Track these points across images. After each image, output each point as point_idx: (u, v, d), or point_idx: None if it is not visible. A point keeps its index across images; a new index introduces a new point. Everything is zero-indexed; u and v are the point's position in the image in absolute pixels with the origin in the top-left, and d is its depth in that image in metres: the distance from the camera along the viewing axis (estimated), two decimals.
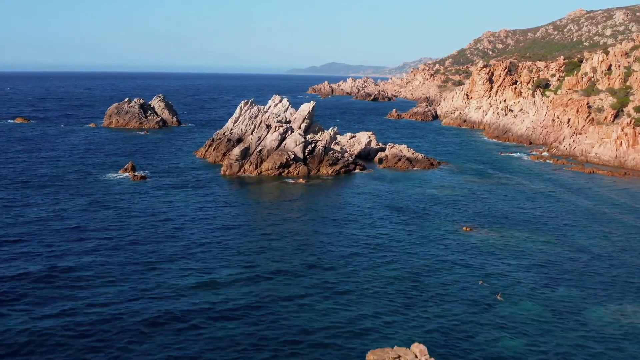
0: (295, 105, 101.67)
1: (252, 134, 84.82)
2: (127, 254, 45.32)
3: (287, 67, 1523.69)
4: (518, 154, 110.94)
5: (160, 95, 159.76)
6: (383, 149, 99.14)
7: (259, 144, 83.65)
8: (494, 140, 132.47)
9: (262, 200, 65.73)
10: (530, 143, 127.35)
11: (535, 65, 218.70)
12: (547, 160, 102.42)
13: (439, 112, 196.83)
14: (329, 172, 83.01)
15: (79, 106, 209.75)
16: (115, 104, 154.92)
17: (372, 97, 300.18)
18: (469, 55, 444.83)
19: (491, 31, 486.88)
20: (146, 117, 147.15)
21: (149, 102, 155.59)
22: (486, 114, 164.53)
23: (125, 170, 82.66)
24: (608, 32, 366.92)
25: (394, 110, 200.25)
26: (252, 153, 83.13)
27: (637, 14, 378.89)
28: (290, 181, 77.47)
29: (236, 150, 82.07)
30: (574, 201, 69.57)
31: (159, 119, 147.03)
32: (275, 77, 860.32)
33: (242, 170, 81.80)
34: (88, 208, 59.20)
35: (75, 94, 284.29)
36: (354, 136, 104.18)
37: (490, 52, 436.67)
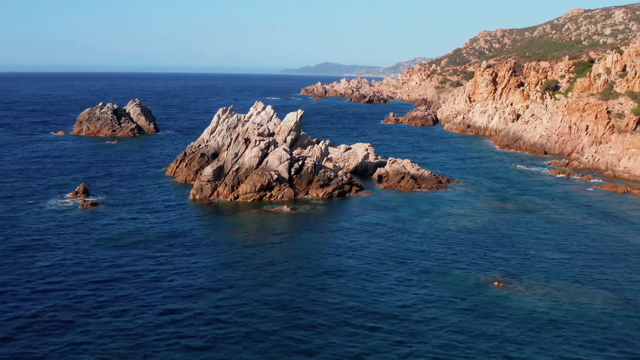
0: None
1: (227, 149, 71.28)
2: None
3: (281, 67, 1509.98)
4: (535, 167, 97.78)
5: (136, 99, 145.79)
6: (383, 164, 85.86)
7: (236, 161, 70.06)
8: (504, 150, 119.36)
9: (235, 241, 52.07)
10: (545, 153, 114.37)
11: (540, 65, 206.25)
12: (571, 176, 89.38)
13: (439, 116, 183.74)
14: (320, 195, 69.57)
15: (55, 110, 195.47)
16: (87, 109, 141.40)
17: (367, 99, 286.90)
18: (465, 55, 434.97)
19: (487, 30, 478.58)
20: (120, 123, 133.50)
21: (124, 107, 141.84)
22: (492, 119, 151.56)
23: (76, 194, 69.01)
24: (608, 31, 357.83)
25: (391, 114, 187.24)
26: (228, 173, 69.54)
27: (637, 12, 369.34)
28: (273, 208, 63.98)
29: (208, 170, 68.49)
30: (620, 236, 56.38)
31: (133, 125, 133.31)
32: (268, 78, 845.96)
33: (215, 193, 68.24)
34: (4, 264, 45.39)
35: (57, 97, 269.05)
36: (349, 148, 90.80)
37: (487, 52, 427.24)
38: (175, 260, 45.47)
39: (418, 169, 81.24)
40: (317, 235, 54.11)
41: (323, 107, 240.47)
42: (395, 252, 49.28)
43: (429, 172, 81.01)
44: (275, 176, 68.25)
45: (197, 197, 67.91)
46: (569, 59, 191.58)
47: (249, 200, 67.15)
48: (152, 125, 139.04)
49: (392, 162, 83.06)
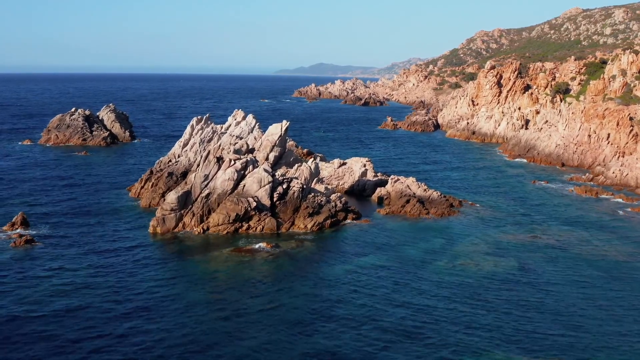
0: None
1: (197, 169, 58.96)
2: None
3: (275, 67, 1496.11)
4: (556, 183, 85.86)
5: (110, 104, 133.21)
6: (383, 183, 73.74)
7: (206, 185, 57.72)
8: (517, 161, 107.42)
9: (198, 305, 39.72)
10: (563, 165, 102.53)
11: (544, 66, 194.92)
12: (599, 195, 77.45)
13: (440, 121, 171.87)
14: (308, 226, 57.32)
15: (30, 116, 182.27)
16: (58, 116, 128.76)
17: (362, 102, 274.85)
18: (462, 55, 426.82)
19: (485, 30, 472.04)
20: (91, 131, 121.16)
21: (97, 114, 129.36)
22: (499, 125, 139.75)
23: (13, 225, 56.63)
24: (608, 31, 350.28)
25: (389, 118, 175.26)
26: (196, 199, 57.23)
27: (638, 12, 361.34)
28: (250, 246, 51.72)
29: (172, 197, 56.11)
30: None
31: (106, 134, 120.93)
32: (262, 79, 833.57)
33: (180, 224, 55.94)
34: None
35: (38, 101, 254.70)
36: (344, 164, 78.65)
37: (484, 52, 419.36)
38: (109, 324, 32.98)
39: (425, 190, 69.15)
40: (302, 290, 41.76)
41: (316, 110, 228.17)
42: (403, 320, 37.04)
43: (438, 193, 68.91)
44: (254, 203, 56.00)
45: (158, 229, 55.56)
46: (575, 59, 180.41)
47: (221, 234, 54.91)
48: (127, 133, 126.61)
49: (395, 181, 70.96)
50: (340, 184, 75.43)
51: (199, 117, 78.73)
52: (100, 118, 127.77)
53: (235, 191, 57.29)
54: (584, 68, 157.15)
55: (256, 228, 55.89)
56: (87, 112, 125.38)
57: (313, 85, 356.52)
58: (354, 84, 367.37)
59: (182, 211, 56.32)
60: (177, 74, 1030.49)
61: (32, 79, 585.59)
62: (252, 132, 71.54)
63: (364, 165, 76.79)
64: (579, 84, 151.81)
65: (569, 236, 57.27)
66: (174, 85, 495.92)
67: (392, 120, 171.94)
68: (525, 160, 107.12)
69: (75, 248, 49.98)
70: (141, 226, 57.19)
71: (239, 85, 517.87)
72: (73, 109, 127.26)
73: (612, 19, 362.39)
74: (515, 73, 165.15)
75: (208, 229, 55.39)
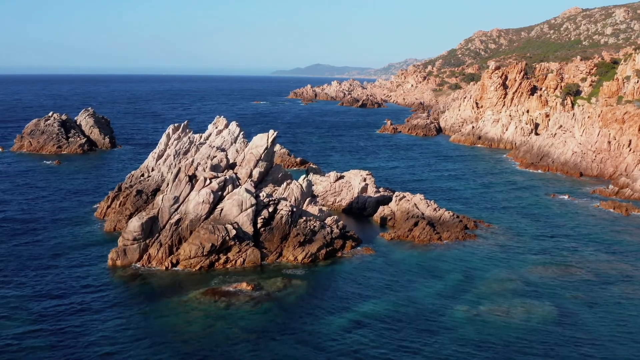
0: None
1: (166, 189, 49.53)
2: None
3: (272, 69, 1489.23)
4: (578, 197, 76.70)
5: (89, 108, 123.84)
6: (386, 200, 64.47)
7: (176, 209, 48.38)
8: (530, 170, 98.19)
9: None
10: (581, 175, 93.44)
11: (550, 66, 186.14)
12: (630, 212, 68.30)
13: (442, 125, 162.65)
14: (299, 257, 48.06)
15: (14, 120, 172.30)
16: (34, 120, 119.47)
17: (359, 103, 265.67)
18: (460, 55, 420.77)
19: (483, 30, 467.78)
20: (67, 138, 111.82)
21: (75, 118, 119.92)
22: (507, 129, 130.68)
23: None
24: (609, 30, 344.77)
25: (388, 122, 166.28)
26: (164, 226, 47.87)
27: (639, 11, 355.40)
28: (226, 286, 42.37)
29: (134, 224, 46.67)
30: None
31: (83, 140, 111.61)
32: (259, 79, 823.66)
33: (145, 257, 46.57)
34: None
35: (26, 103, 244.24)
36: (341, 177, 69.37)
37: (483, 53, 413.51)
38: None
39: (435, 209, 59.93)
40: (288, 356, 32.50)
41: (312, 113, 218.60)
42: None
43: (450, 214, 59.69)
44: (234, 231, 46.66)
45: (118, 263, 46.24)
46: (581, 59, 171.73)
47: (193, 269, 45.62)
48: (107, 140, 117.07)
49: (400, 199, 61.71)
50: (337, 200, 66.22)
51: (175, 124, 69.43)
52: (78, 123, 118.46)
53: (211, 216, 47.95)
54: (595, 68, 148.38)
55: (236, 261, 46.61)
56: (64, 117, 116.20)
57: (309, 86, 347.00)
58: (350, 85, 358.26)
59: (147, 241, 46.97)
60: (173, 75, 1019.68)
61: (28, 80, 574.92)
62: (235, 142, 62.18)
63: (364, 179, 67.52)
64: (590, 85, 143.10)
65: (608, 268, 48.12)
66: (169, 86, 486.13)
67: (391, 124, 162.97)
68: (540, 171, 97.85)
69: (12, 298, 40.25)
70: (99, 259, 47.76)
71: (235, 87, 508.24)
72: (50, 113, 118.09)
73: (613, 19, 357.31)
74: (522, 74, 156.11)
75: (177, 262, 46.06)
